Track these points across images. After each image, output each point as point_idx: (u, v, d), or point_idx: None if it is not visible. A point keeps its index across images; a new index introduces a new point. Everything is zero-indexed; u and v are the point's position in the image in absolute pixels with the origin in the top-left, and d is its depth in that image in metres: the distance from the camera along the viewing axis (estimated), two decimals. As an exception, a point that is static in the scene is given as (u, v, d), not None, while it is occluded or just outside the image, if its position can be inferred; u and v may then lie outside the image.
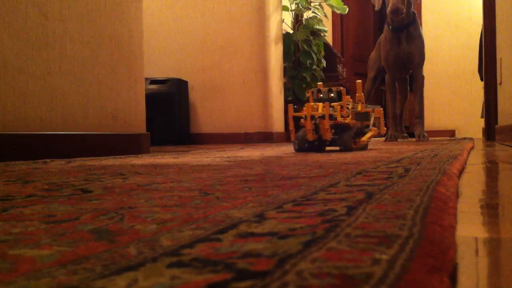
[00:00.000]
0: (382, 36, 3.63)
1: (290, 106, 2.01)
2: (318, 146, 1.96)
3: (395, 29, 3.41)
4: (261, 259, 0.30)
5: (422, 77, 3.60)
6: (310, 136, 1.92)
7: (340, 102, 1.99)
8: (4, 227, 0.42)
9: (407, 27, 3.39)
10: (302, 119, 1.94)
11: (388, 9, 3.26)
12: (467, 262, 0.35)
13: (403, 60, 3.48)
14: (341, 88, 2.04)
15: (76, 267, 0.29)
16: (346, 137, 1.94)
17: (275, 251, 0.31)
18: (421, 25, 4.11)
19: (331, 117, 1.94)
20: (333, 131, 1.95)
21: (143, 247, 0.34)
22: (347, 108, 2.01)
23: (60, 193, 0.67)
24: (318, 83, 2.25)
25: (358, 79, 2.34)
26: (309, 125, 1.90)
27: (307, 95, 2.06)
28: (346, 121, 1.97)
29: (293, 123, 2.00)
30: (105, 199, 0.60)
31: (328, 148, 2.05)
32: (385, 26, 3.54)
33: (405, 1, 3.28)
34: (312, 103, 1.96)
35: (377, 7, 3.48)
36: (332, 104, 1.97)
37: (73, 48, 1.86)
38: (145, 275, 0.27)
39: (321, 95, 2.03)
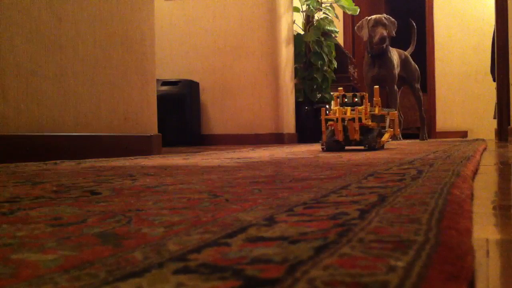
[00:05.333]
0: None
1: (323, 110, 2.17)
2: (345, 145, 2.13)
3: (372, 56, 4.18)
4: (271, 265, 0.29)
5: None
6: (340, 137, 2.07)
7: (363, 106, 2.14)
8: (9, 230, 0.42)
9: (382, 54, 4.15)
10: (330, 121, 2.10)
11: (376, 38, 4.04)
12: (483, 266, 0.34)
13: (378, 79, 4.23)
14: (364, 93, 2.21)
15: (80, 273, 0.28)
16: (371, 137, 2.10)
17: (285, 257, 0.30)
18: (433, 25, 5.21)
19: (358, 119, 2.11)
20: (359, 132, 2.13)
21: (149, 251, 0.33)
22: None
23: (68, 195, 0.66)
24: (339, 88, 2.39)
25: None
26: (340, 126, 2.06)
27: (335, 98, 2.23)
28: (370, 123, 2.12)
29: (325, 125, 2.15)
30: (113, 201, 0.59)
31: (347, 147, 2.22)
32: (365, 53, 4.36)
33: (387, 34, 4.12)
34: (337, 107, 2.11)
35: (365, 38, 4.21)
36: (358, 108, 2.13)
37: (85, 50, 1.86)
38: (150, 281, 0.26)
39: (346, 100, 2.21)
